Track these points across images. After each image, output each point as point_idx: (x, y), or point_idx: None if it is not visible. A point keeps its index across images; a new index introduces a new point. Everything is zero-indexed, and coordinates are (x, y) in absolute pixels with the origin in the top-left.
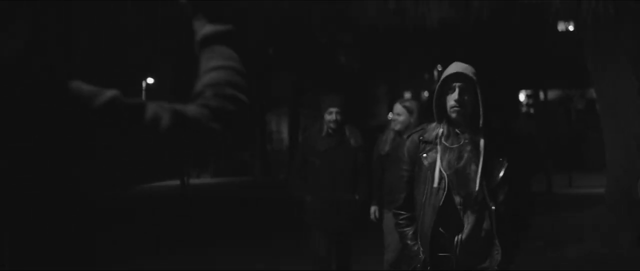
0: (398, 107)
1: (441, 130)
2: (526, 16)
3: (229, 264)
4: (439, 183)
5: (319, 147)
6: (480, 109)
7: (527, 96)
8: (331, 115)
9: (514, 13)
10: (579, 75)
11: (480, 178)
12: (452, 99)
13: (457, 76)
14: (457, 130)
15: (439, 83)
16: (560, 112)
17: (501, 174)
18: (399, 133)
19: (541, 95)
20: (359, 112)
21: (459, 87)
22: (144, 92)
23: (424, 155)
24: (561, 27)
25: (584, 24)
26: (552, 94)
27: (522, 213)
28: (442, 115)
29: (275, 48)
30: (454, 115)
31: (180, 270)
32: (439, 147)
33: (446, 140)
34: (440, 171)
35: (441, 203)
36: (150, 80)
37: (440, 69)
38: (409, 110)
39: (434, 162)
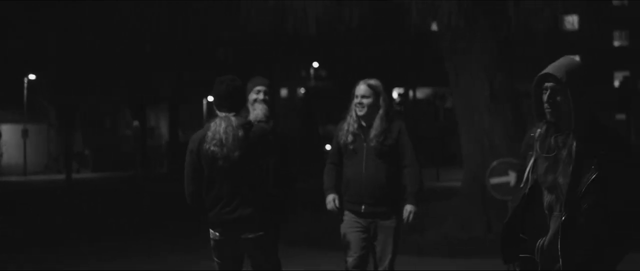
0: (362, 88)
1: (539, 131)
2: (396, 17)
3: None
4: (530, 189)
5: None
6: (573, 111)
7: (399, 94)
8: (259, 95)
9: (383, 16)
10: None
11: (569, 185)
12: (544, 100)
13: (546, 77)
14: (551, 133)
15: (534, 83)
16: (429, 110)
17: (589, 181)
18: (361, 120)
19: (410, 93)
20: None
21: (550, 87)
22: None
23: (530, 153)
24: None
25: (439, 32)
26: (421, 93)
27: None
28: (541, 115)
29: (153, 45)
30: (548, 116)
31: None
32: (534, 151)
33: (541, 144)
34: (528, 176)
35: (527, 206)
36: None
37: (316, 66)
38: (375, 90)
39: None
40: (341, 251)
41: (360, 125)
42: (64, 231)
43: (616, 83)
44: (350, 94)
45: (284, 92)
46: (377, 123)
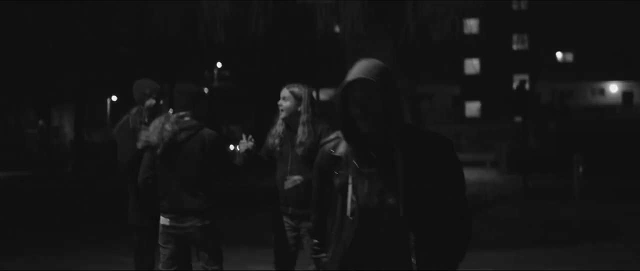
0: (284, 92)
1: (342, 143)
2: (300, 18)
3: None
4: (352, 214)
5: None
6: (391, 115)
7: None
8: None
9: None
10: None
11: (401, 204)
12: (354, 108)
13: (354, 83)
14: (368, 146)
15: (340, 91)
16: (332, 111)
17: (427, 192)
18: (286, 124)
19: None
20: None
21: (361, 95)
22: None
23: (336, 172)
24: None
25: (341, 35)
26: (325, 94)
27: (456, 240)
28: (350, 129)
29: (56, 43)
30: (362, 127)
31: None
32: (350, 168)
33: (358, 160)
34: (352, 200)
35: (353, 236)
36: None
37: (219, 66)
38: (296, 96)
39: (346, 186)
40: (271, 249)
41: (286, 128)
42: None
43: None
44: (253, 95)
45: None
46: (300, 129)
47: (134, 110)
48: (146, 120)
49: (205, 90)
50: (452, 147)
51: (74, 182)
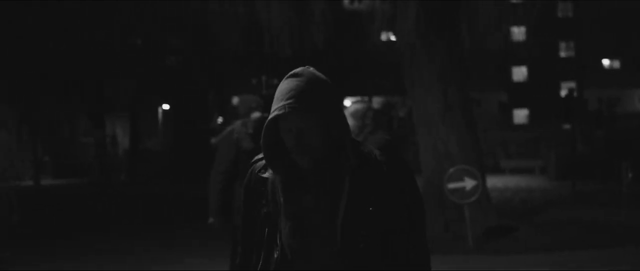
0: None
1: (266, 173)
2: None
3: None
4: (280, 254)
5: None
6: (339, 144)
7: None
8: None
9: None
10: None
11: (340, 239)
12: (287, 140)
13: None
14: (301, 176)
15: (266, 125)
16: (382, 120)
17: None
18: None
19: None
20: (192, 115)
21: (296, 128)
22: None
23: (262, 200)
24: (384, 37)
25: (397, 46)
26: (376, 102)
27: None
28: (276, 160)
29: (109, 52)
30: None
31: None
32: (277, 200)
33: (286, 192)
34: (278, 239)
35: None
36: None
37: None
38: (354, 116)
39: (271, 219)
40: None
41: None
42: (61, 233)
43: (562, 94)
44: None
45: (236, 101)
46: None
47: (238, 122)
48: (251, 131)
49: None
50: (410, 171)
51: (130, 188)
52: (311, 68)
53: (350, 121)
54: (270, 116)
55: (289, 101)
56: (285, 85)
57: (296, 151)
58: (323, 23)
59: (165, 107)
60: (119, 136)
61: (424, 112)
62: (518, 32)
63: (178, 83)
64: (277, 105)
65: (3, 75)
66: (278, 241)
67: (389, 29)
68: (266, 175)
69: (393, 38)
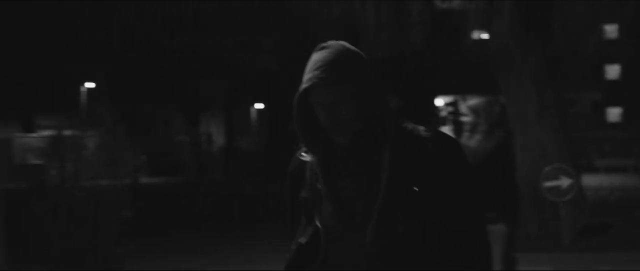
0: (462, 108)
1: (312, 157)
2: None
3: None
4: (310, 241)
5: None
6: (376, 119)
7: (447, 103)
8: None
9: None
10: (492, 83)
11: (375, 226)
12: (322, 118)
13: (317, 86)
14: (341, 155)
15: (296, 99)
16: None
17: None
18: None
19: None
20: (286, 115)
21: (330, 101)
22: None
23: (303, 182)
24: (475, 35)
25: (491, 48)
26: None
27: None
28: (313, 140)
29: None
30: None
31: None
32: (311, 184)
33: (324, 173)
34: (315, 223)
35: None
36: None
37: None
38: (472, 110)
39: (310, 202)
40: None
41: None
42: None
43: None
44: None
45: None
46: (464, 136)
47: None
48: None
49: None
50: (459, 149)
51: (224, 187)
52: (342, 42)
53: (470, 117)
54: (299, 90)
55: (316, 72)
56: (313, 58)
57: (330, 126)
58: (420, 23)
59: (259, 106)
60: (213, 135)
61: (518, 111)
62: (610, 30)
63: (272, 82)
64: (304, 78)
65: (101, 75)
66: (314, 226)
67: (483, 28)
68: (306, 157)
69: (485, 36)
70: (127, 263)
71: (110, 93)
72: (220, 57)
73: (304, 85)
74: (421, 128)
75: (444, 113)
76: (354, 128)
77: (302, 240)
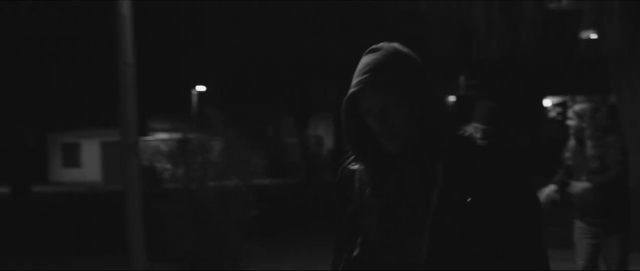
0: (569, 112)
1: (362, 166)
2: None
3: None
4: (361, 253)
5: None
6: (429, 126)
7: (555, 104)
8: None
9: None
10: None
11: (429, 244)
12: (372, 124)
13: (365, 90)
14: (391, 164)
15: (344, 104)
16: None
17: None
18: (577, 138)
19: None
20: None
21: (380, 108)
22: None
23: (349, 193)
24: (584, 35)
25: (604, 48)
26: (578, 101)
27: None
28: (362, 148)
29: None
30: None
31: None
32: (360, 194)
33: (374, 183)
34: (361, 235)
35: None
36: (200, 88)
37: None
38: (577, 115)
39: (355, 214)
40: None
41: (578, 143)
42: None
43: None
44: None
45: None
46: (588, 144)
47: (470, 127)
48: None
49: (453, 98)
50: (515, 163)
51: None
52: (394, 43)
53: (574, 122)
54: (347, 95)
55: (364, 76)
56: (362, 61)
57: (381, 134)
58: (531, 24)
59: None
60: (323, 137)
61: (630, 112)
62: None
63: None
64: (352, 83)
65: (212, 79)
66: (361, 238)
67: (593, 27)
68: (355, 167)
69: (594, 36)
70: (253, 263)
71: (220, 96)
72: (329, 58)
73: (351, 90)
74: (478, 137)
75: (552, 114)
76: (406, 136)
77: (355, 252)
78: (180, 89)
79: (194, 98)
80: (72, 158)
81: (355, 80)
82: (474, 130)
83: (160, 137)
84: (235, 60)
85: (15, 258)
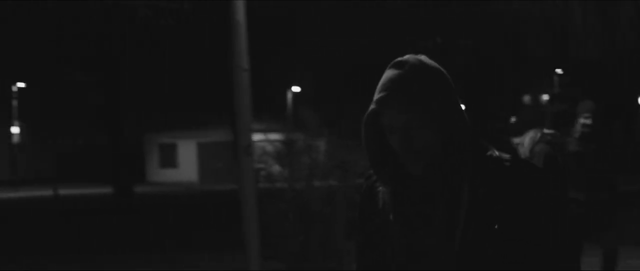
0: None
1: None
2: None
3: None
4: None
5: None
6: (455, 146)
7: None
8: (587, 120)
9: None
10: None
11: (458, 260)
12: (394, 143)
13: (385, 103)
14: (414, 185)
15: (364, 119)
16: None
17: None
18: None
19: None
20: (484, 115)
21: (402, 124)
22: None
23: (372, 214)
24: None
25: None
26: None
27: None
28: (384, 168)
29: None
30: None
31: None
32: (382, 216)
33: (396, 205)
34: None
35: None
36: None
37: (560, 72)
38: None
39: (377, 236)
40: None
41: None
42: None
43: None
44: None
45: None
46: None
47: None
48: (577, 135)
49: (547, 97)
50: (550, 186)
51: None
52: (421, 56)
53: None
54: (367, 111)
55: (386, 91)
56: (385, 75)
57: (403, 154)
58: (629, 24)
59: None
60: None
61: None
62: None
63: (471, 84)
64: (374, 98)
65: (307, 80)
66: (386, 262)
67: None
68: (379, 187)
69: None
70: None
71: (315, 97)
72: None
73: (372, 106)
74: (505, 156)
75: None
76: (429, 157)
77: None
78: (275, 90)
79: (289, 99)
80: (169, 158)
81: (377, 95)
82: (534, 134)
83: (268, 138)
84: (330, 60)
85: (140, 256)
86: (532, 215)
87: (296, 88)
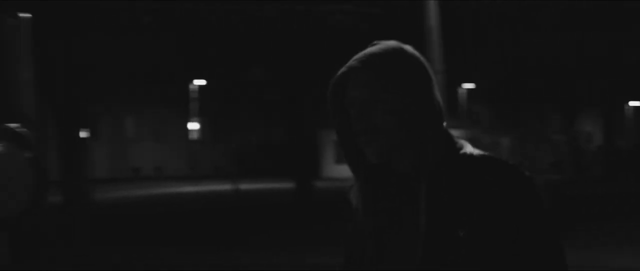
0: None
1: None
2: None
3: None
4: None
5: None
6: (416, 132)
7: None
8: None
9: None
10: None
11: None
12: (355, 125)
13: (347, 76)
14: (376, 183)
15: (330, 91)
16: None
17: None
18: None
19: None
20: None
21: (360, 100)
22: None
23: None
24: None
25: None
26: None
27: None
28: (357, 157)
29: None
30: (368, 153)
31: None
32: (356, 214)
33: (364, 202)
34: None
35: None
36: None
37: None
38: None
39: (353, 243)
40: None
41: None
42: None
43: None
44: None
45: None
46: None
47: None
48: None
49: None
50: (522, 183)
51: (603, 186)
52: (406, 45)
53: None
54: (332, 80)
55: (354, 62)
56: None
57: (359, 131)
58: None
59: (634, 103)
60: (592, 133)
61: None
62: None
63: None
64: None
65: (479, 76)
66: (356, 262)
67: None
68: (352, 190)
69: None
70: None
71: (488, 94)
72: (598, 55)
73: (340, 71)
74: (477, 152)
75: None
76: (387, 141)
77: None
78: (448, 86)
79: (462, 96)
80: None
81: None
82: None
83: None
84: (505, 58)
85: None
86: (506, 223)
87: (469, 85)
